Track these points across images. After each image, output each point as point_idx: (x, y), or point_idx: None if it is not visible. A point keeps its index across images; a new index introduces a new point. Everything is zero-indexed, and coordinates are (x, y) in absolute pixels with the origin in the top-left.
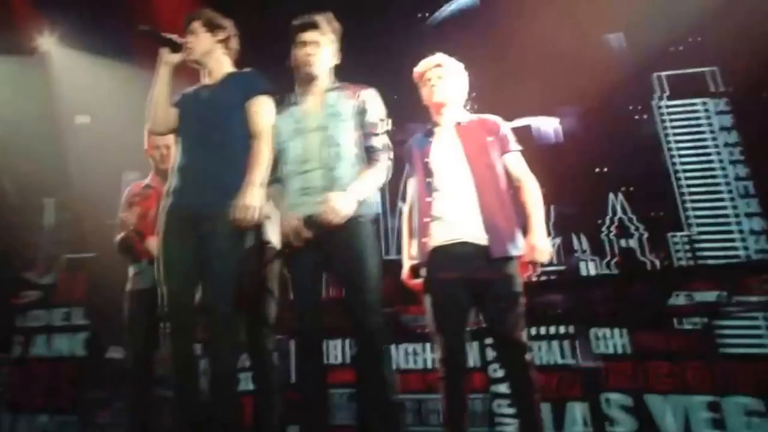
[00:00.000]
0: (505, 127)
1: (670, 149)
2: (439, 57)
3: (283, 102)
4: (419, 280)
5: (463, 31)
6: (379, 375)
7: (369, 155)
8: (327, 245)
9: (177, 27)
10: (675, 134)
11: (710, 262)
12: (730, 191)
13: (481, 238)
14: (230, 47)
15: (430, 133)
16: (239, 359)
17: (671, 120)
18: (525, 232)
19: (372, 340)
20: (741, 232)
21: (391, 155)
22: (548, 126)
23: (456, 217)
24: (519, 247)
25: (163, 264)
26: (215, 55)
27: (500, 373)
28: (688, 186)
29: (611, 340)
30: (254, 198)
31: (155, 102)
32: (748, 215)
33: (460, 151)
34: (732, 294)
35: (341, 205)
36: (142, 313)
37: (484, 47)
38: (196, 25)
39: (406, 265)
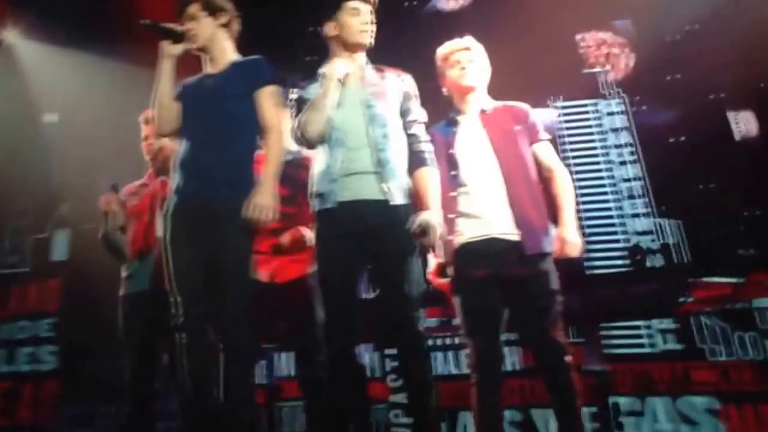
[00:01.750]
0: (534, 115)
1: (564, 150)
2: (469, 40)
3: (314, 74)
4: (446, 280)
5: (460, 19)
6: (425, 381)
7: (413, 144)
8: (374, 235)
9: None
10: (569, 135)
11: (597, 263)
12: (616, 192)
13: (512, 233)
14: (232, 30)
15: (453, 122)
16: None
17: (566, 121)
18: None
19: (422, 343)
20: (626, 233)
21: (433, 149)
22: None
23: (484, 212)
24: (553, 242)
25: (173, 271)
26: (218, 40)
27: (399, 383)
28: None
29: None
30: (269, 196)
31: (159, 101)
32: (635, 216)
33: (486, 141)
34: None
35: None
36: (138, 320)
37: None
38: (195, 10)
39: (432, 263)
